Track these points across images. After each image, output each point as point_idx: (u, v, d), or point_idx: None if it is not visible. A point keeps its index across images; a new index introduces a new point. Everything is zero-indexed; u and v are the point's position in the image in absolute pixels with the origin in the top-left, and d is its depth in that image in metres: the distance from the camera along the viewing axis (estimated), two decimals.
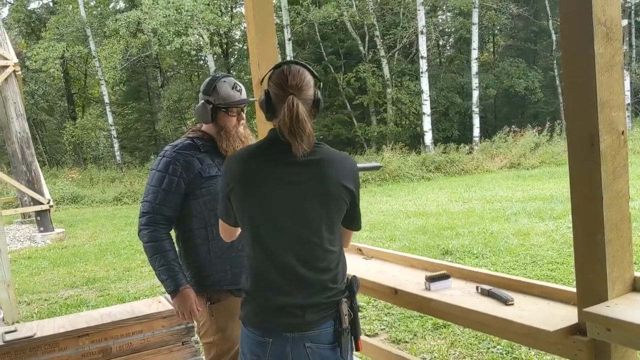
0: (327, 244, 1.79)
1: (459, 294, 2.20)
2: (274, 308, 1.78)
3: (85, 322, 2.91)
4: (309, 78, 1.80)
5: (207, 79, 2.39)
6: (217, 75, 2.39)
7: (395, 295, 2.36)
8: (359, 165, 2.60)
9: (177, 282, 2.25)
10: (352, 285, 1.89)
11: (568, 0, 1.65)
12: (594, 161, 1.63)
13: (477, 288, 2.21)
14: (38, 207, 10.60)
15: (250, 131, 2.50)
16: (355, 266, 2.75)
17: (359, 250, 3.02)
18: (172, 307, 2.99)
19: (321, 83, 1.86)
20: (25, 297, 6.44)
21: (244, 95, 2.39)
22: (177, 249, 2.37)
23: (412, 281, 2.41)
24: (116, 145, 24.49)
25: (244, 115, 2.44)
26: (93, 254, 8.65)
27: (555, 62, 25.90)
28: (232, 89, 2.35)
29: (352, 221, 1.90)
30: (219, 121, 2.35)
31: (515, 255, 6.13)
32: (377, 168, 2.80)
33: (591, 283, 1.68)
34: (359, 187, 1.87)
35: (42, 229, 10.61)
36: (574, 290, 1.80)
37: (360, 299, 5.02)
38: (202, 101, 2.35)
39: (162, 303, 3.10)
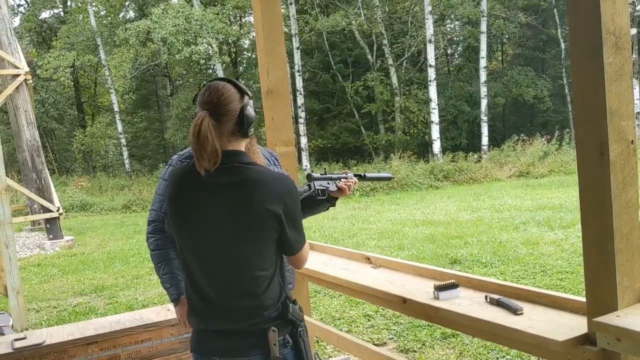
0: (250, 270, 1.71)
1: (467, 303, 2.20)
2: (208, 333, 1.78)
3: (94, 329, 2.92)
4: (230, 93, 1.73)
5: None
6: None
7: (404, 305, 2.36)
8: (369, 174, 2.60)
9: (180, 291, 2.25)
10: (285, 311, 1.77)
11: (577, 10, 1.65)
12: (603, 171, 1.63)
13: (486, 297, 2.20)
14: (48, 215, 10.66)
15: (255, 141, 2.48)
16: (364, 275, 2.75)
17: (367, 259, 3.02)
18: None
19: (251, 99, 1.80)
20: (35, 304, 6.47)
21: None
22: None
23: (420, 290, 2.40)
24: (125, 154, 24.62)
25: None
26: (102, 262, 8.68)
27: (564, 70, 25.85)
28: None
29: (283, 246, 1.77)
30: None
31: (524, 265, 6.10)
32: (388, 179, 2.74)
33: (601, 293, 1.67)
34: (292, 211, 1.74)
35: (51, 236, 10.66)
36: (584, 299, 1.79)
37: (369, 307, 5.01)
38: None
39: (170, 311, 3.10)
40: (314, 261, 3.15)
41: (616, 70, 1.63)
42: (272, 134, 3.40)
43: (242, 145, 1.80)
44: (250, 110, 1.76)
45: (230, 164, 1.71)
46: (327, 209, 2.49)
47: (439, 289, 2.28)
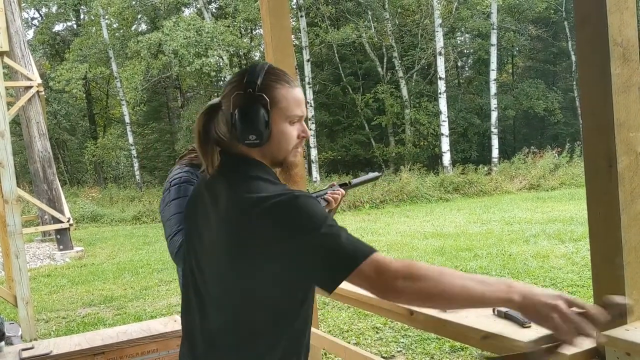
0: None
1: (474, 316, 2.17)
2: None
3: (102, 340, 2.92)
4: (231, 82, 1.39)
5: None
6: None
7: (411, 317, 2.34)
8: (354, 180, 2.52)
9: None
10: None
11: (584, 21, 1.65)
12: (611, 182, 1.62)
13: (493, 310, 2.17)
14: (58, 226, 10.71)
15: None
16: None
17: None
18: None
19: (253, 88, 1.32)
20: (44, 314, 6.49)
21: None
22: None
23: None
24: (136, 165, 24.78)
25: None
26: (111, 273, 8.70)
27: (575, 83, 25.77)
28: None
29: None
30: None
31: (534, 278, 6.05)
32: (374, 178, 2.62)
33: None
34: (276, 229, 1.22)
35: (61, 247, 10.72)
36: None
37: (377, 320, 4.98)
38: None
39: (177, 322, 3.10)
40: None
41: (624, 82, 1.62)
42: None
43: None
44: (240, 107, 1.33)
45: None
46: None
47: None
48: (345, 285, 2.65)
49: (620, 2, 1.62)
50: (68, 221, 10.90)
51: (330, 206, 2.39)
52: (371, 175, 2.65)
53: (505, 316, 2.10)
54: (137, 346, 2.89)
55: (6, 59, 10.19)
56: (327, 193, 2.37)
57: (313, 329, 3.22)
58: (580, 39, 1.68)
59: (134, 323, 3.54)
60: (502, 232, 9.25)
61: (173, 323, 3.08)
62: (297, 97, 1.39)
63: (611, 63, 1.60)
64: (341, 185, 2.46)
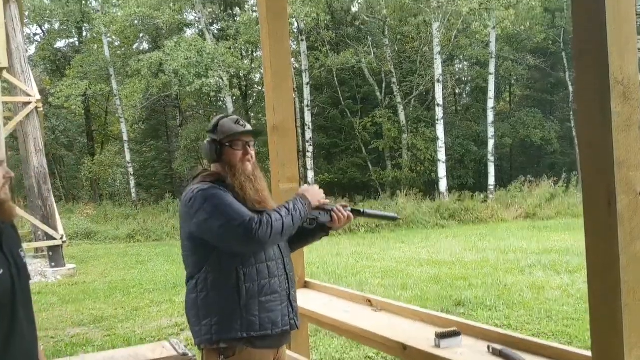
0: None
1: (469, 352, 2.14)
2: None
3: None
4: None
5: (213, 119, 2.39)
6: (218, 116, 2.38)
7: (404, 351, 2.30)
8: (368, 211, 2.49)
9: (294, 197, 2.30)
10: None
11: (583, 58, 1.64)
12: (610, 222, 1.59)
13: (488, 347, 2.14)
14: (51, 243, 10.64)
15: (261, 173, 2.42)
16: (364, 318, 2.69)
17: (369, 302, 2.96)
18: (176, 353, 2.94)
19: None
20: None
21: (248, 129, 2.33)
22: (194, 295, 2.23)
23: (421, 337, 2.34)
24: (132, 182, 24.68)
25: (253, 154, 2.35)
26: (102, 292, 8.60)
27: (572, 113, 25.92)
28: (235, 123, 2.31)
29: None
30: (225, 157, 2.30)
31: (529, 310, 5.99)
32: (392, 219, 2.62)
33: (607, 349, 1.61)
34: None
35: (53, 264, 10.61)
36: (589, 353, 1.73)
37: (369, 351, 4.91)
38: (207, 139, 2.33)
39: (165, 348, 3.04)
40: (315, 301, 3.10)
41: (624, 120, 1.60)
42: (277, 170, 3.38)
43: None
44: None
45: None
46: (320, 238, 2.48)
47: (441, 336, 2.22)
48: (336, 316, 2.59)
49: (622, 39, 1.60)
50: (61, 238, 10.82)
51: (334, 224, 2.39)
52: (390, 214, 2.64)
53: (500, 354, 2.06)
54: None
55: (6, 74, 10.24)
56: (333, 208, 2.38)
57: (304, 359, 3.16)
58: (579, 75, 1.67)
59: (121, 349, 3.47)
60: (498, 261, 9.20)
61: (161, 349, 3.02)
62: None
63: (612, 101, 1.58)
64: (353, 211, 2.45)
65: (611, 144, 1.57)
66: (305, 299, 3.16)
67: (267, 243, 2.12)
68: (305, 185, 2.39)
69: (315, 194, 2.35)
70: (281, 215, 2.15)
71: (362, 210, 2.48)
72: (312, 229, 2.39)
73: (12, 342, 1.62)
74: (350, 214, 2.41)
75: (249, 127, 2.33)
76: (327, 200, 2.40)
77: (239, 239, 2.09)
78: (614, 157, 1.57)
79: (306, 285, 3.46)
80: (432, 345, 2.23)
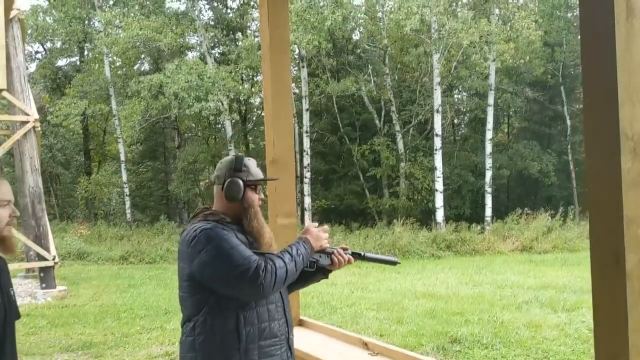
0: None
1: None
2: None
3: None
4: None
5: (231, 158, 2.34)
6: (239, 155, 2.37)
7: None
8: (369, 255, 2.47)
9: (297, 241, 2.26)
10: None
11: (593, 113, 1.60)
12: (618, 281, 1.54)
13: None
14: (42, 264, 10.51)
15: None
16: None
17: (365, 345, 2.88)
18: None
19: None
20: (20, 359, 6.25)
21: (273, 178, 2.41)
22: (191, 338, 2.16)
23: None
24: (127, 203, 24.54)
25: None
26: (92, 316, 8.47)
27: (569, 146, 26.02)
28: (257, 167, 2.35)
29: None
30: (247, 199, 2.27)
31: (526, 349, 5.90)
32: (392, 263, 2.56)
33: None
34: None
35: (44, 285, 10.47)
36: None
37: None
38: (235, 179, 2.26)
39: None
40: (309, 342, 3.02)
41: (634, 177, 1.55)
42: (274, 205, 3.33)
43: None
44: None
45: None
46: (319, 280, 2.44)
47: None
48: None
49: (633, 95, 1.57)
50: (53, 259, 10.70)
51: (332, 266, 2.37)
52: (389, 257, 2.59)
53: None
54: None
55: (5, 93, 10.23)
56: (334, 251, 2.36)
57: None
58: (588, 130, 1.63)
59: None
60: (494, 296, 9.11)
61: None
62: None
63: (622, 157, 1.54)
64: (353, 254, 2.42)
65: (621, 201, 1.53)
66: (299, 339, 3.07)
67: (270, 293, 2.07)
68: (309, 225, 2.36)
69: (319, 238, 2.31)
70: (284, 263, 2.10)
71: (362, 253, 2.45)
72: (311, 271, 2.35)
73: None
74: (351, 258, 2.38)
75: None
76: (328, 244, 2.36)
77: (243, 287, 2.03)
78: (623, 215, 1.53)
79: (301, 323, 3.39)
80: None
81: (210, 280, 2.08)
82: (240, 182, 2.25)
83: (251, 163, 2.32)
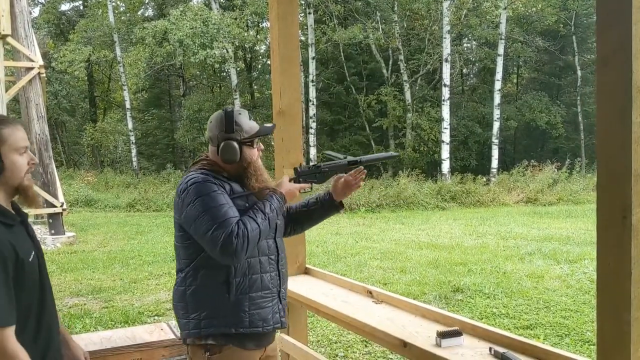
0: None
1: (470, 353, 2.11)
2: None
3: (84, 345, 2.84)
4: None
5: (219, 117, 2.19)
6: (228, 109, 2.20)
7: (404, 348, 2.27)
8: (364, 158, 2.45)
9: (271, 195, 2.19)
10: None
11: (606, 65, 1.58)
12: (624, 235, 1.54)
13: (490, 349, 2.11)
14: (51, 210, 10.63)
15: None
16: (364, 311, 2.66)
17: (369, 293, 2.93)
18: (173, 337, 2.93)
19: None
20: None
21: (268, 128, 2.24)
22: (182, 288, 2.18)
23: (422, 334, 2.32)
24: (134, 151, 24.62)
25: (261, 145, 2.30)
26: (101, 262, 8.62)
27: (579, 98, 25.71)
28: (250, 119, 2.21)
29: None
30: (245, 158, 2.19)
31: (528, 299, 5.99)
32: (392, 157, 2.63)
33: None
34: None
35: (53, 231, 10.62)
36: None
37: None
38: (228, 141, 2.15)
39: (164, 330, 3.03)
40: (314, 290, 3.08)
41: None
42: (281, 156, 3.33)
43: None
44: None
45: None
46: (334, 214, 2.49)
47: (442, 335, 2.20)
48: (336, 306, 2.55)
49: None
50: (61, 206, 10.81)
51: (350, 190, 2.42)
52: (385, 154, 2.59)
53: (502, 358, 2.04)
54: (121, 354, 2.82)
55: (9, 39, 10.11)
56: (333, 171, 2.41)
57: (301, 345, 3.15)
58: (600, 81, 1.61)
59: (119, 329, 3.46)
60: (498, 247, 9.19)
61: (159, 332, 3.01)
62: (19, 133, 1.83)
63: (633, 111, 1.52)
64: (350, 163, 2.42)
65: (630, 155, 1.52)
66: (305, 287, 3.14)
67: (242, 258, 2.03)
68: (284, 180, 2.29)
69: (291, 194, 2.26)
70: (257, 224, 2.05)
71: (358, 159, 2.44)
72: (323, 208, 2.43)
73: (46, 307, 1.89)
74: (362, 168, 2.40)
75: (258, 124, 2.25)
76: (306, 184, 2.35)
77: (214, 252, 2.00)
78: (631, 169, 1.52)
79: (307, 271, 3.44)
80: (433, 344, 2.20)
81: (193, 235, 2.08)
82: (235, 144, 2.15)
83: (243, 118, 2.18)
